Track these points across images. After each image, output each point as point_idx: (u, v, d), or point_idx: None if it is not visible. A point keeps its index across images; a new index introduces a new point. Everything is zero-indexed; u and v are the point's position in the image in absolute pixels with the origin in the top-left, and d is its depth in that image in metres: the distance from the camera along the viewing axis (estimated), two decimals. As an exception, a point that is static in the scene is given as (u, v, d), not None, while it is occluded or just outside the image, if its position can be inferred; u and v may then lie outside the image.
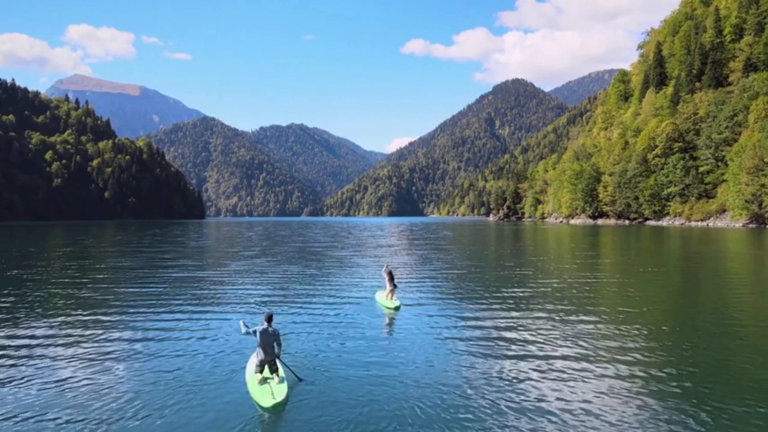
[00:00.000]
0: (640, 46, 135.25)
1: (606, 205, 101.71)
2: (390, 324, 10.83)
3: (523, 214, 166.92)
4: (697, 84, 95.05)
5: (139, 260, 23.15)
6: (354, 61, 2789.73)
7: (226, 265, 20.48)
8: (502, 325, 10.56)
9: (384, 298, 12.24)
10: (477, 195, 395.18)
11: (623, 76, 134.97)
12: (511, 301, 12.96)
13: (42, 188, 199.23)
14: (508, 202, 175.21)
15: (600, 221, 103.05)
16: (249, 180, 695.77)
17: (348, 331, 10.18)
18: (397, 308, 11.69)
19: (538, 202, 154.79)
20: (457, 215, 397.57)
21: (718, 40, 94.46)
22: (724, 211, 74.35)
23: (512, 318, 11.14)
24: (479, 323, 10.72)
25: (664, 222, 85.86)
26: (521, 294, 13.98)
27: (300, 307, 12.39)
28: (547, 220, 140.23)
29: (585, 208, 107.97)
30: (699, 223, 76.53)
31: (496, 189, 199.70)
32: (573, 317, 11.18)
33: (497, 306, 12.34)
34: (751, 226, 66.15)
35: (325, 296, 13.75)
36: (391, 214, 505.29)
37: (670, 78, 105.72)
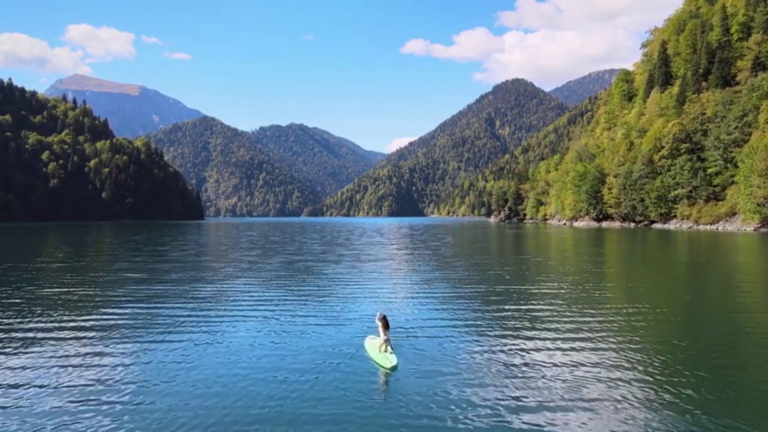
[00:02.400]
0: (643, 45, 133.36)
1: (611, 207, 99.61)
2: (384, 391, 8.01)
3: (524, 215, 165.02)
4: (704, 83, 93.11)
5: (94, 281, 18.95)
6: (354, 61, 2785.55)
7: (195, 289, 16.58)
8: (532, 397, 7.60)
9: (376, 351, 9.53)
10: (477, 195, 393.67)
11: (626, 76, 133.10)
12: (537, 358, 9.47)
13: (39, 188, 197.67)
14: (509, 204, 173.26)
15: (605, 224, 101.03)
16: (249, 180, 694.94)
17: (324, 398, 7.51)
18: (393, 368, 8.84)
19: (540, 203, 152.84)
20: (458, 215, 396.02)
21: (725, 39, 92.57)
22: (734, 214, 72.30)
23: (540, 386, 8.03)
24: (501, 393, 7.69)
25: (671, 225, 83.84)
26: (547, 345, 10.34)
27: (266, 357, 9.45)
28: (549, 221, 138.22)
29: (589, 211, 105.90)
30: (708, 227, 74.49)
31: (497, 190, 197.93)
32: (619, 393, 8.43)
33: (524, 365, 8.89)
34: (763, 230, 64.15)
35: (303, 339, 10.69)
36: (391, 214, 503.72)
37: (676, 77, 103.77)
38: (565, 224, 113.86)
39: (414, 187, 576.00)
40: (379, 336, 9.63)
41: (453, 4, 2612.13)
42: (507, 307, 13.84)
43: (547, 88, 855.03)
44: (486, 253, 30.84)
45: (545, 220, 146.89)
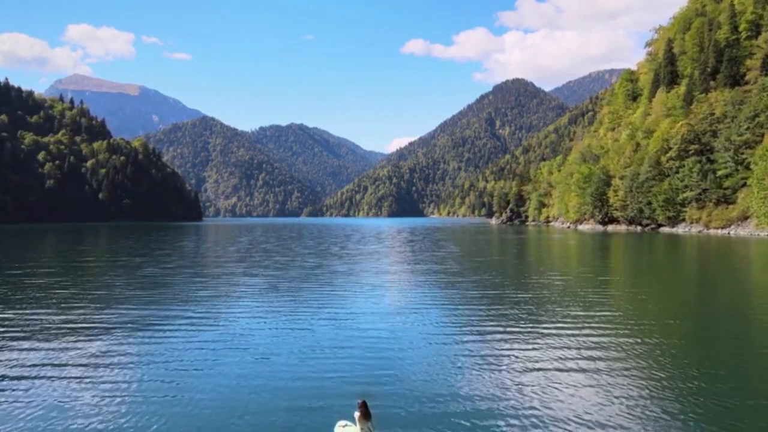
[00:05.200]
0: (647, 44, 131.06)
1: (616, 210, 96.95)
2: None
3: (526, 217, 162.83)
4: (712, 83, 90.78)
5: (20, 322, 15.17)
6: (354, 61, 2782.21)
7: (141, 332, 12.87)
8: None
9: None
10: (477, 196, 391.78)
11: (630, 75, 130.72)
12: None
13: (34, 189, 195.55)
14: (511, 205, 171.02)
15: (610, 227, 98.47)
16: (248, 180, 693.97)
17: None
18: None
19: (543, 205, 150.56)
20: (458, 216, 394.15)
21: (734, 37, 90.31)
22: (746, 218, 69.77)
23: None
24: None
25: (680, 229, 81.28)
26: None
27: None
28: (552, 224, 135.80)
29: (594, 213, 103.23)
30: (719, 231, 71.93)
31: (498, 190, 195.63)
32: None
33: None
34: (777, 235, 61.71)
35: (257, 421, 7.54)
36: (391, 214, 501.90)
37: (682, 77, 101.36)
38: (569, 227, 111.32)
39: (414, 188, 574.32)
40: (354, 423, 6.89)
41: (453, 4, 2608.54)
42: (534, 361, 11.29)
43: (547, 88, 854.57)
44: (495, 269, 28.24)
45: (548, 222, 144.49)
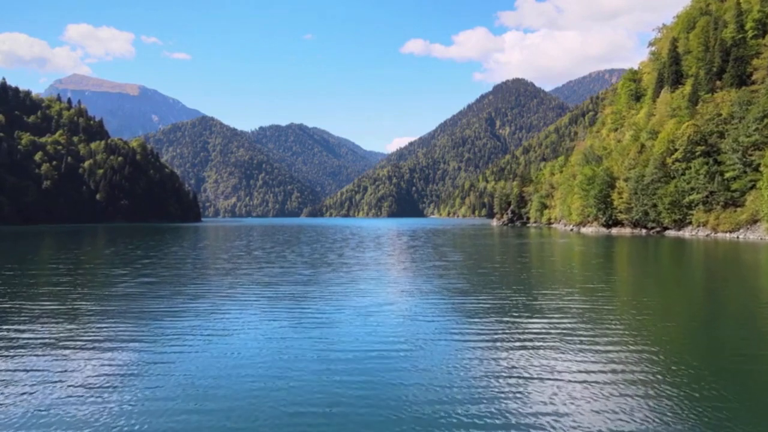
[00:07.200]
0: (651, 44, 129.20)
1: (621, 212, 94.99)
2: None
3: (528, 218, 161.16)
4: (718, 83, 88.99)
5: None
6: (354, 61, 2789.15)
7: (88, 382, 10.70)
8: None
9: None
10: (478, 196, 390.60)
11: (633, 75, 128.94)
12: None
13: (31, 190, 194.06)
14: (512, 206, 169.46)
15: (614, 230, 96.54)
16: (248, 180, 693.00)
17: None
18: None
19: (544, 206, 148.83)
20: (458, 216, 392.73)
21: (740, 36, 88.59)
22: (755, 221, 67.86)
23: None
24: None
25: (686, 233, 79.36)
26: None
27: None
28: (554, 226, 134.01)
29: (598, 216, 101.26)
30: (727, 235, 70.03)
31: (499, 191, 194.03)
32: None
33: None
34: (788, 239, 59.83)
35: None
36: (391, 214, 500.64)
37: (687, 76, 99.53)
38: (571, 230, 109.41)
39: (414, 188, 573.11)
40: None
41: (453, 4, 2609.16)
42: (563, 424, 9.44)
43: (548, 88, 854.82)
44: (504, 285, 26.13)
45: (550, 223, 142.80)
